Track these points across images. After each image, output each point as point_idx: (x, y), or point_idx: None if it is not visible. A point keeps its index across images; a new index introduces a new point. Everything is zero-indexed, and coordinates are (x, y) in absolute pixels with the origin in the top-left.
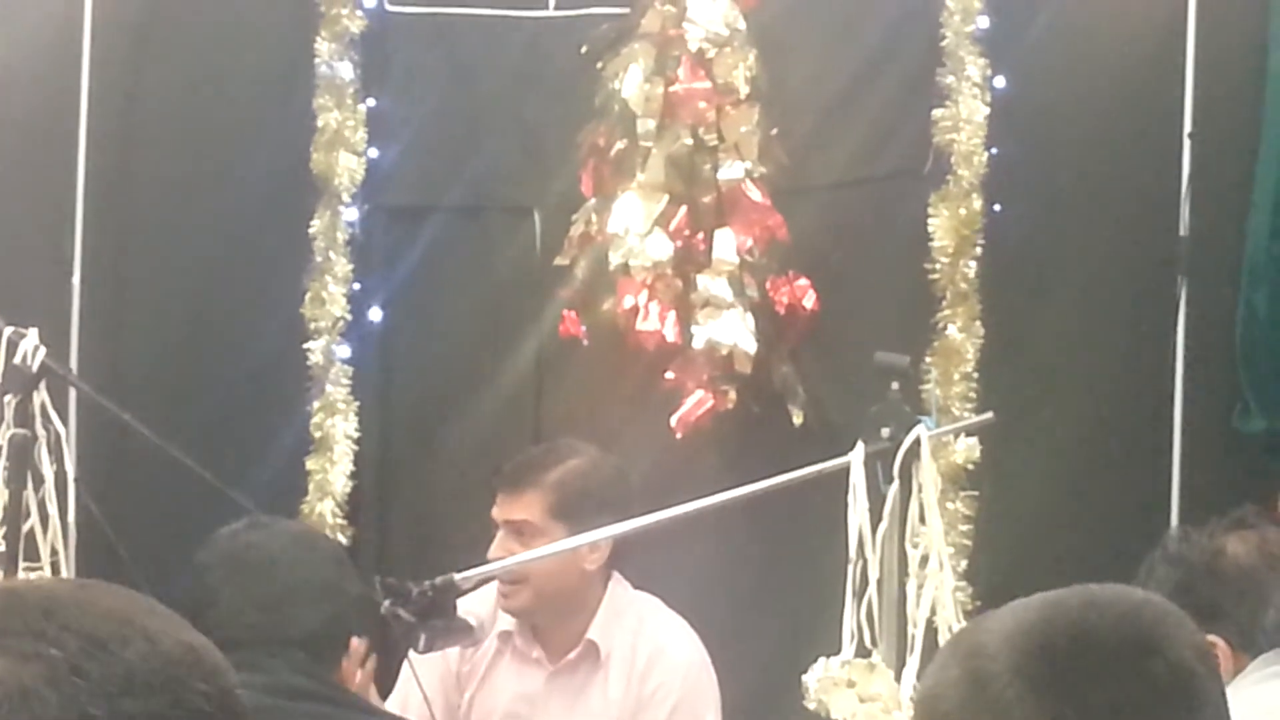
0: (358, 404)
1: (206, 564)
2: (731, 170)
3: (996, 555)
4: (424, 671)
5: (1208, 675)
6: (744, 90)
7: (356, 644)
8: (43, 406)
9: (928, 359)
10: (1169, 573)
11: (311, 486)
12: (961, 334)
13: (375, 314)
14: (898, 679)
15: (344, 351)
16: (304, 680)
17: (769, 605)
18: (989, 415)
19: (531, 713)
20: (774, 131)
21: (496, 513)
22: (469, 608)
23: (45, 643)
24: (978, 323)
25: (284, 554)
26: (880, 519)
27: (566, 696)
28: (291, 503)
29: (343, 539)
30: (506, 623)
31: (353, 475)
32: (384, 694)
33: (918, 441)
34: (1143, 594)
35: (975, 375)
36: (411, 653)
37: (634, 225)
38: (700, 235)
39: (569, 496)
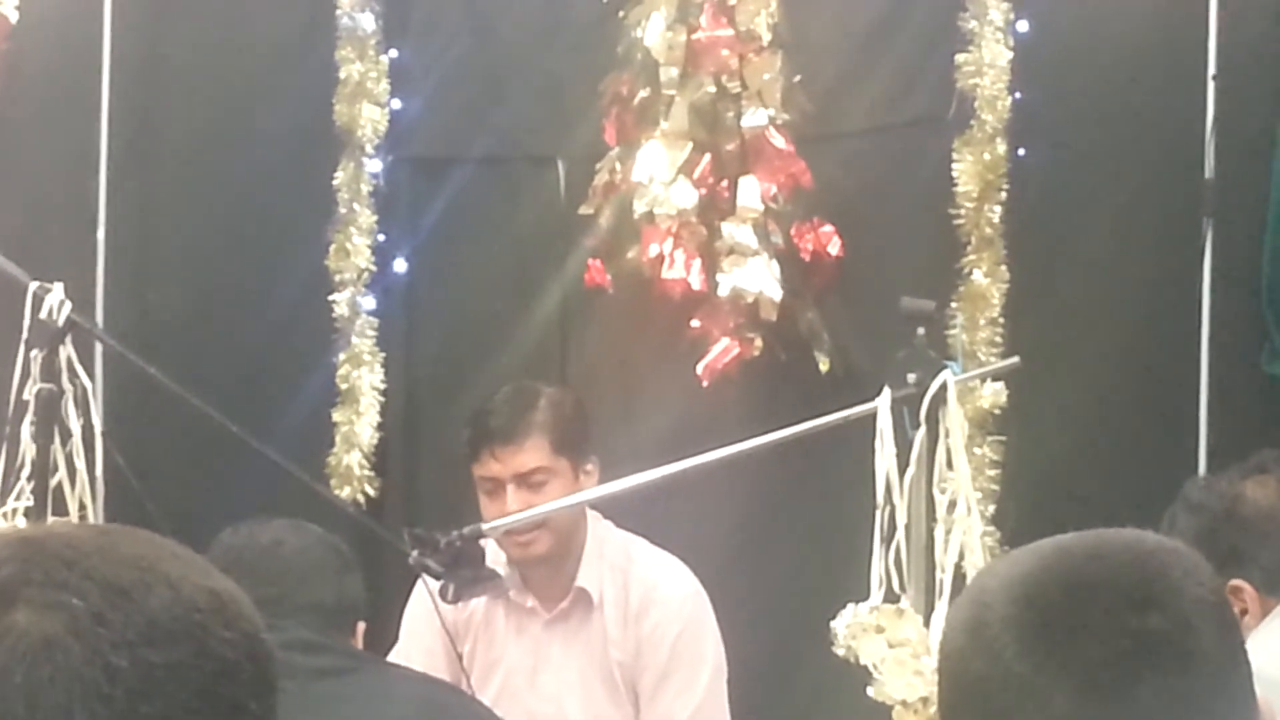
0: (383, 355)
1: (212, 557)
2: (755, 117)
3: (1024, 500)
4: (422, 625)
5: (1212, 631)
6: (766, 37)
7: (361, 629)
8: (69, 361)
9: (953, 304)
10: (1190, 521)
11: (338, 439)
12: (987, 279)
13: (400, 265)
14: (926, 624)
15: (369, 303)
16: (316, 636)
17: (796, 552)
18: (1015, 360)
19: (534, 662)
20: (797, 78)
21: (499, 470)
22: None
23: (67, 592)
24: (1003, 267)
25: (287, 538)
26: (907, 465)
27: (565, 643)
28: (318, 455)
29: (370, 491)
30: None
31: (379, 427)
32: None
33: (944, 387)
34: (1156, 541)
35: (1001, 320)
36: (411, 604)
37: (658, 173)
38: (724, 183)
39: (562, 429)
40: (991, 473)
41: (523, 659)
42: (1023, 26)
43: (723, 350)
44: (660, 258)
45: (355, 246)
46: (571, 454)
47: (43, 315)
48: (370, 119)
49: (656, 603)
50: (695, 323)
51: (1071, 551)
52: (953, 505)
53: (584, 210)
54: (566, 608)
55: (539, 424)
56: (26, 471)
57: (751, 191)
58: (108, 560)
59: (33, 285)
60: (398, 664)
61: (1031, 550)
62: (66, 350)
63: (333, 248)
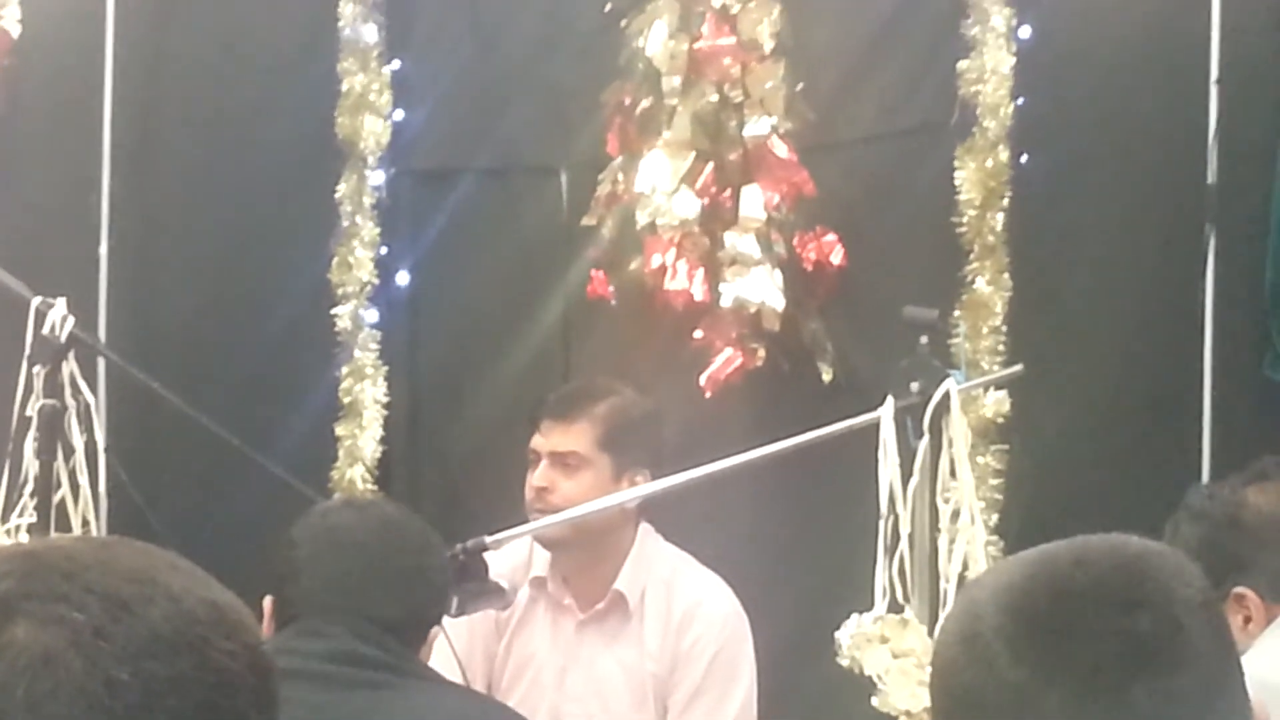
0: (386, 369)
1: (295, 540)
2: (757, 126)
3: (1027, 508)
4: (464, 619)
5: (1202, 631)
6: (768, 45)
7: (433, 633)
8: (72, 376)
9: (956, 312)
10: (1193, 529)
11: (341, 452)
12: (990, 287)
13: (403, 278)
14: (930, 634)
15: (372, 316)
16: (363, 646)
17: (800, 562)
18: (1018, 368)
19: (566, 660)
20: (799, 87)
21: (540, 443)
22: (497, 565)
23: (68, 606)
24: (1006, 275)
25: (371, 539)
26: (911, 474)
27: (598, 645)
28: (322, 469)
29: None
30: (540, 568)
31: (382, 440)
32: None
33: (947, 395)
34: (1141, 544)
35: (1004, 328)
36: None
37: (660, 184)
38: (727, 192)
39: (616, 428)
40: (995, 482)
41: (554, 657)
42: (1025, 33)
43: (726, 361)
44: (663, 268)
45: (358, 259)
46: (618, 455)
47: (45, 331)
48: (372, 131)
49: (698, 619)
50: (698, 333)
51: (1057, 558)
52: (956, 514)
53: (586, 221)
54: (602, 610)
55: (592, 413)
56: (30, 487)
57: (754, 201)
58: (108, 573)
59: (35, 300)
60: (443, 678)
61: (1017, 560)
62: (69, 366)
63: (335, 260)
